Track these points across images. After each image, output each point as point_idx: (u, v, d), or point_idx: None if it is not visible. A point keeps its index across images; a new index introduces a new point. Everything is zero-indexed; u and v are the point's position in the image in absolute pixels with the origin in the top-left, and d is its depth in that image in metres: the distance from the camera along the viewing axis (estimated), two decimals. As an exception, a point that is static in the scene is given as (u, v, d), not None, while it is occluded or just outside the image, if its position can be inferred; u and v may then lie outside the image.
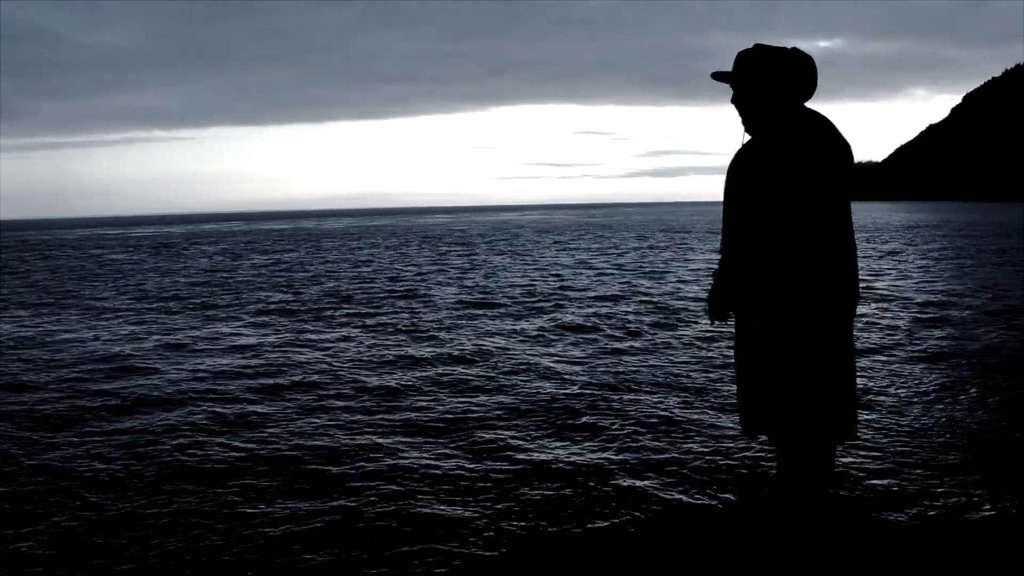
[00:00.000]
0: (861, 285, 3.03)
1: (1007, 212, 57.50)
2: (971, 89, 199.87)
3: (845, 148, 2.88)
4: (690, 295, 11.34)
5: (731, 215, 3.04)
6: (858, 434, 3.24)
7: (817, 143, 2.84)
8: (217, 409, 5.26)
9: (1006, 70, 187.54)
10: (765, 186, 2.87)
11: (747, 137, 3.06)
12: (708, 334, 7.80)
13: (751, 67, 2.94)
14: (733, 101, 3.03)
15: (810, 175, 2.80)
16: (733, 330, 3.10)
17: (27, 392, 5.85)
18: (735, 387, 3.23)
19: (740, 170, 3.02)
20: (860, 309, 9.31)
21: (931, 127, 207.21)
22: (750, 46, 3.01)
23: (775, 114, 2.94)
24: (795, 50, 2.97)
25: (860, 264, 3.07)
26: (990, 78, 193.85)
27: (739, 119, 3.05)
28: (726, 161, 3.14)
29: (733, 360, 3.22)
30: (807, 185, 2.80)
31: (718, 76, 3.04)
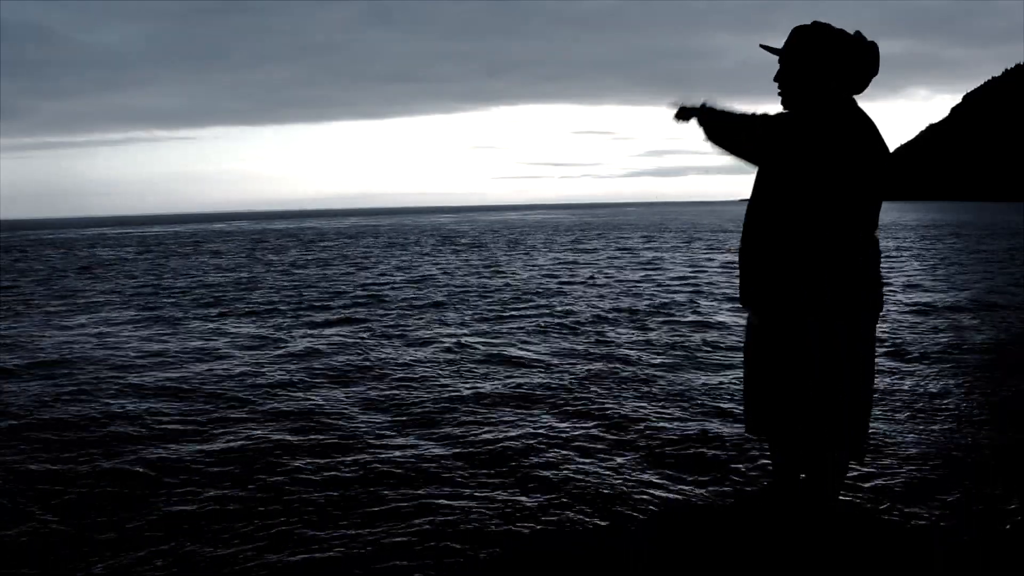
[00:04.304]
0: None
1: (1007, 212, 57.42)
2: (971, 89, 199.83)
3: (886, 154, 2.77)
4: (696, 290, 11.38)
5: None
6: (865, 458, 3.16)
7: (860, 142, 2.68)
8: (220, 404, 5.32)
9: (1006, 70, 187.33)
10: (794, 170, 2.69)
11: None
12: (713, 331, 7.84)
13: (805, 46, 2.72)
14: (777, 78, 2.81)
15: (846, 173, 2.64)
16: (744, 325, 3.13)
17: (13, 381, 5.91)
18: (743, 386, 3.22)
19: (773, 144, 2.78)
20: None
21: (931, 127, 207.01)
22: (808, 23, 2.78)
23: (821, 101, 2.72)
24: (859, 35, 2.74)
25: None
26: (990, 78, 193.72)
27: (779, 98, 2.83)
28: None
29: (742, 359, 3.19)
30: (841, 182, 2.64)
31: (767, 48, 2.84)
